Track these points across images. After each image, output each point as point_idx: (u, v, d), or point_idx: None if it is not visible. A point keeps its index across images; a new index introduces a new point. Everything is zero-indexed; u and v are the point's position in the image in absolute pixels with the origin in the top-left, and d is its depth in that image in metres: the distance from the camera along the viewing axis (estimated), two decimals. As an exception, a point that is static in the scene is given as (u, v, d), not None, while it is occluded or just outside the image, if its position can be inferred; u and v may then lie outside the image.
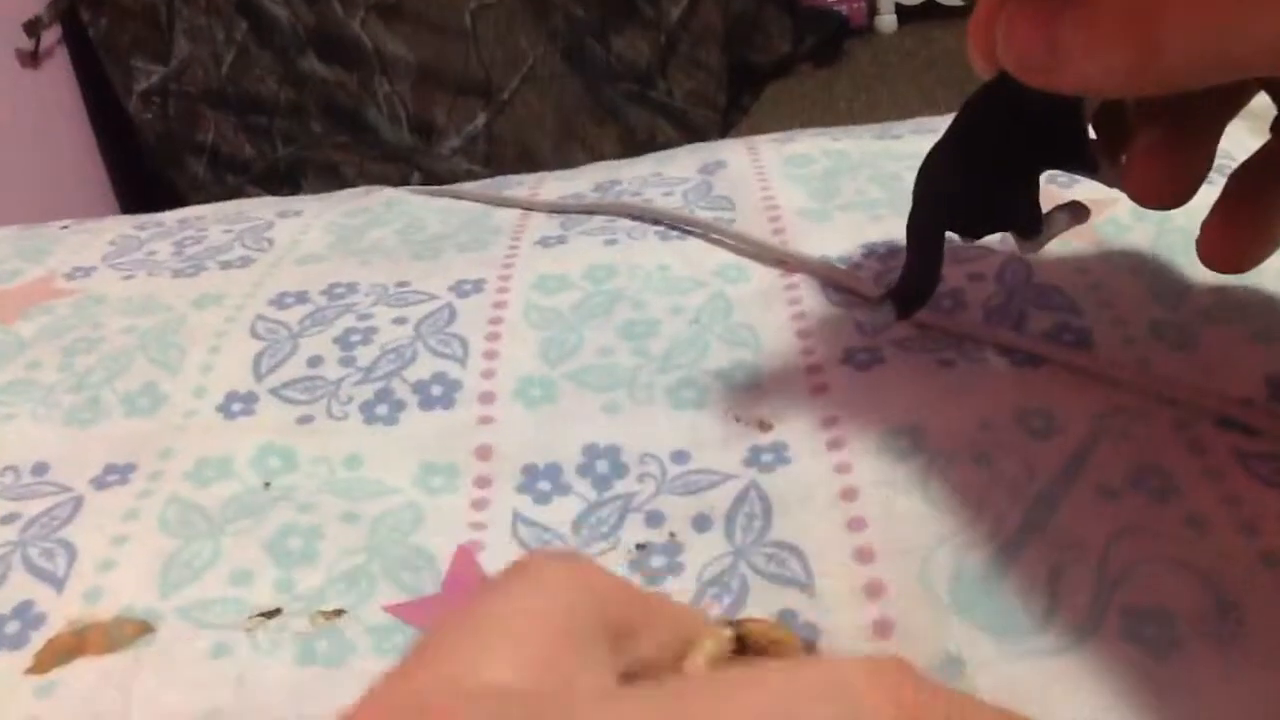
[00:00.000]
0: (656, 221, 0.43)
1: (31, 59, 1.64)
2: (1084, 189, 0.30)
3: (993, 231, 0.31)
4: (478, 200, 0.48)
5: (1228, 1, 0.20)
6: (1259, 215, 0.27)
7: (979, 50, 0.26)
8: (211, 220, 0.49)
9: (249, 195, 1.78)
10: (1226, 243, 0.28)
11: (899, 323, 0.33)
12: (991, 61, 0.26)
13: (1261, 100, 0.27)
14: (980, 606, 0.25)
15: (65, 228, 0.51)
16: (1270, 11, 0.19)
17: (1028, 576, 0.25)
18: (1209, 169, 0.27)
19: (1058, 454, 0.28)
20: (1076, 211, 0.31)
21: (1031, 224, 0.30)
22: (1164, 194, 0.27)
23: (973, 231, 0.31)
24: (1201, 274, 0.34)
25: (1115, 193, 0.29)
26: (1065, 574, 0.25)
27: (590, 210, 0.45)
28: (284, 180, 1.85)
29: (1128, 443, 0.29)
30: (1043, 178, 0.30)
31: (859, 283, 0.37)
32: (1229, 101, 0.28)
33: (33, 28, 1.62)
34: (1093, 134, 0.29)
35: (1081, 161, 0.29)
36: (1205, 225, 0.28)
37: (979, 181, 0.29)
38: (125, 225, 0.50)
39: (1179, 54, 0.21)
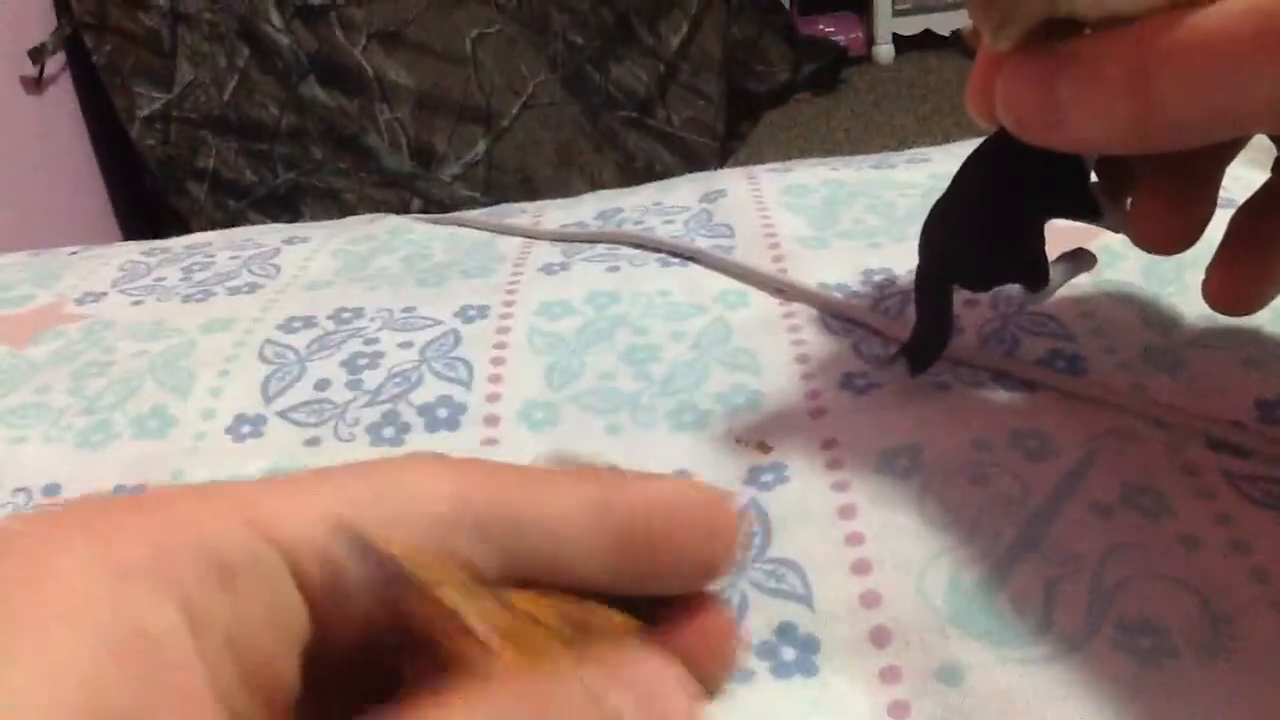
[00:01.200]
0: (658, 249, 0.43)
1: (36, 85, 1.65)
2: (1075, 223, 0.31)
3: (1001, 283, 0.31)
4: (482, 228, 0.49)
5: (1228, 59, 0.20)
6: (1264, 254, 0.27)
7: (978, 109, 0.26)
8: (219, 247, 0.50)
9: (250, 220, 1.80)
10: (1234, 284, 0.28)
11: (915, 377, 0.33)
12: (991, 119, 0.26)
13: (1261, 135, 0.27)
14: (976, 616, 0.26)
15: (74, 254, 0.51)
16: (1270, 68, 0.19)
17: (1023, 589, 0.26)
18: (1213, 211, 0.27)
19: (1052, 473, 0.29)
20: (1083, 259, 0.31)
21: (1039, 275, 0.30)
22: (1170, 239, 0.27)
23: (981, 284, 0.31)
24: (1191, 302, 0.35)
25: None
26: (1060, 587, 0.26)
27: (593, 239, 0.45)
28: (284, 205, 1.87)
29: (1121, 463, 0.29)
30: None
31: (856, 311, 0.37)
32: (1231, 145, 0.27)
33: (37, 54, 1.63)
34: (1094, 177, 0.29)
35: (1085, 209, 0.29)
36: (1211, 268, 0.28)
37: (985, 234, 0.29)
38: (133, 251, 0.51)
39: (1178, 113, 0.21)
